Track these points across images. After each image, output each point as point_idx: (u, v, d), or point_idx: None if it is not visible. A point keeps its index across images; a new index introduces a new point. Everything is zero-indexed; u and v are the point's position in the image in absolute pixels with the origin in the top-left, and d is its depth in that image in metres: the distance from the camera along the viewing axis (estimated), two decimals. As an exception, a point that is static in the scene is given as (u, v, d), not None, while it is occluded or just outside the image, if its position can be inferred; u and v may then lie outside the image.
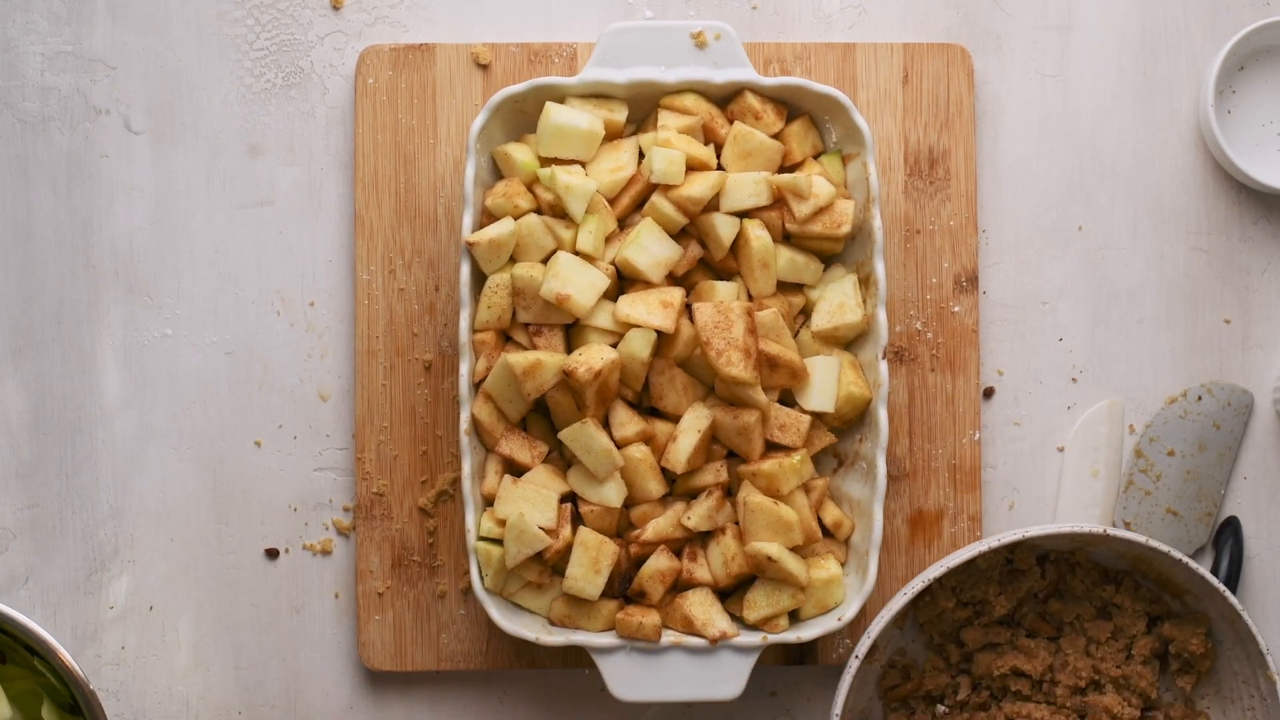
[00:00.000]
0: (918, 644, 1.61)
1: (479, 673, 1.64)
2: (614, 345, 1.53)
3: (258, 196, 1.65)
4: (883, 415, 1.55)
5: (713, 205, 1.56)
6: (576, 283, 1.52)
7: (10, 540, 1.64)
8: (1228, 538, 1.64)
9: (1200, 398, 1.65)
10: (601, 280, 1.53)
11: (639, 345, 1.52)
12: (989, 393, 1.66)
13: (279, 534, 1.64)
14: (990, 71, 1.67)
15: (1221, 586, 1.53)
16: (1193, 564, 1.52)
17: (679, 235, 1.56)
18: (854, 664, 1.51)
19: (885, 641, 1.60)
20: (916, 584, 1.52)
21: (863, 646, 1.52)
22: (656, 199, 1.55)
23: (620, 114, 1.58)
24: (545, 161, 1.56)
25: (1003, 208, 1.67)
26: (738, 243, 1.56)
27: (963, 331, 1.65)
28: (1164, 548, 1.52)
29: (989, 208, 1.67)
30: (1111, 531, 1.52)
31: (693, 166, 1.56)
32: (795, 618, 1.57)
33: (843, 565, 1.57)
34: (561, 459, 1.57)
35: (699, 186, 1.54)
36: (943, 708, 1.59)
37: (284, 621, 1.64)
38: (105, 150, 1.65)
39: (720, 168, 1.57)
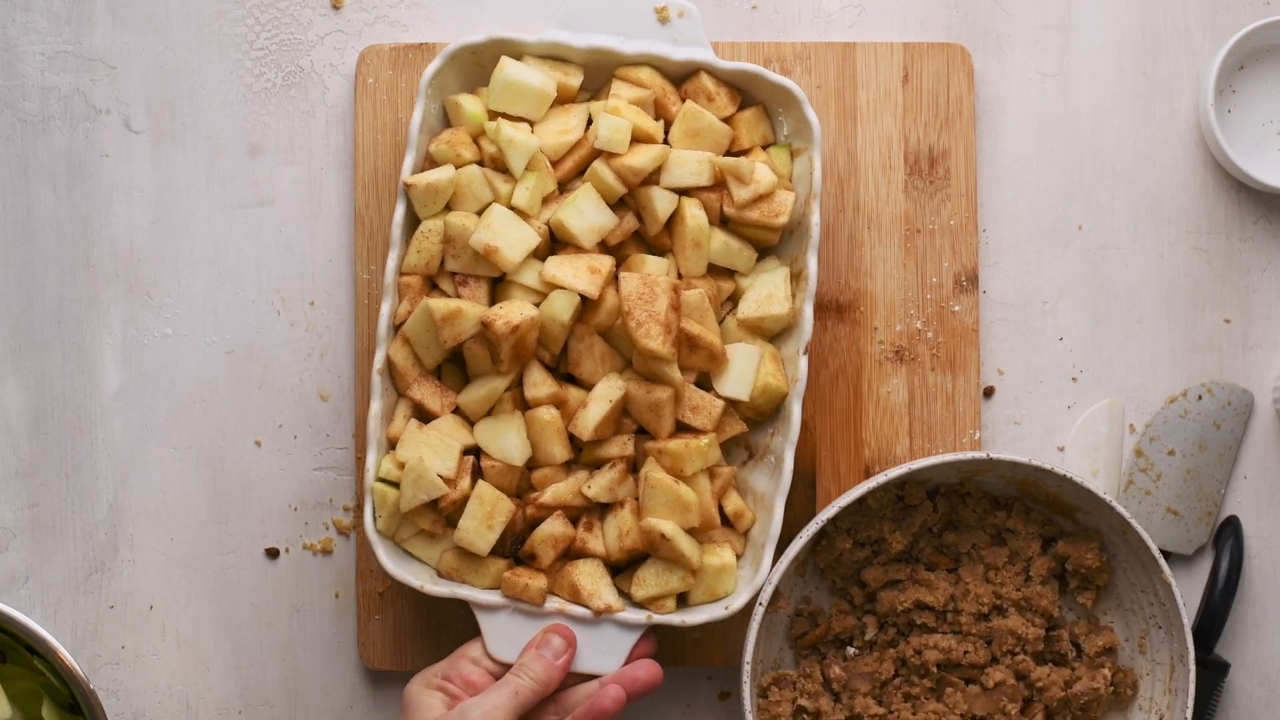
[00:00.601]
0: (821, 590, 1.62)
1: (479, 672, 1.64)
2: (537, 305, 1.53)
3: (258, 196, 1.65)
4: (796, 411, 1.54)
5: (654, 179, 1.55)
6: (507, 237, 1.52)
7: (10, 540, 1.64)
8: (1228, 537, 1.64)
9: (1200, 397, 1.65)
10: (532, 238, 1.53)
11: (561, 307, 1.52)
12: (989, 392, 1.66)
13: (279, 533, 1.64)
14: (990, 71, 1.67)
15: (1109, 498, 1.54)
16: (1077, 477, 1.54)
17: (617, 205, 1.56)
18: (759, 611, 1.53)
19: (788, 589, 1.60)
20: (811, 527, 1.53)
21: (765, 594, 1.53)
22: (598, 165, 1.55)
23: (575, 78, 1.57)
24: (494, 115, 1.56)
25: (1003, 207, 1.67)
26: (674, 219, 1.56)
27: (963, 331, 1.65)
28: (1047, 465, 1.54)
29: (989, 207, 1.67)
30: (994, 455, 1.54)
31: (639, 139, 1.55)
32: (685, 601, 1.57)
33: (739, 557, 1.57)
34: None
35: (641, 157, 1.54)
36: (852, 649, 1.60)
37: (284, 621, 1.64)
38: (105, 150, 1.65)
39: (667, 143, 1.57)
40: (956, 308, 1.65)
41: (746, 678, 1.53)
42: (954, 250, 1.65)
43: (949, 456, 1.54)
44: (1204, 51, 1.67)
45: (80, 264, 1.65)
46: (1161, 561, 1.54)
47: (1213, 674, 1.63)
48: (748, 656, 1.53)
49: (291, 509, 1.64)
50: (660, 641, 1.62)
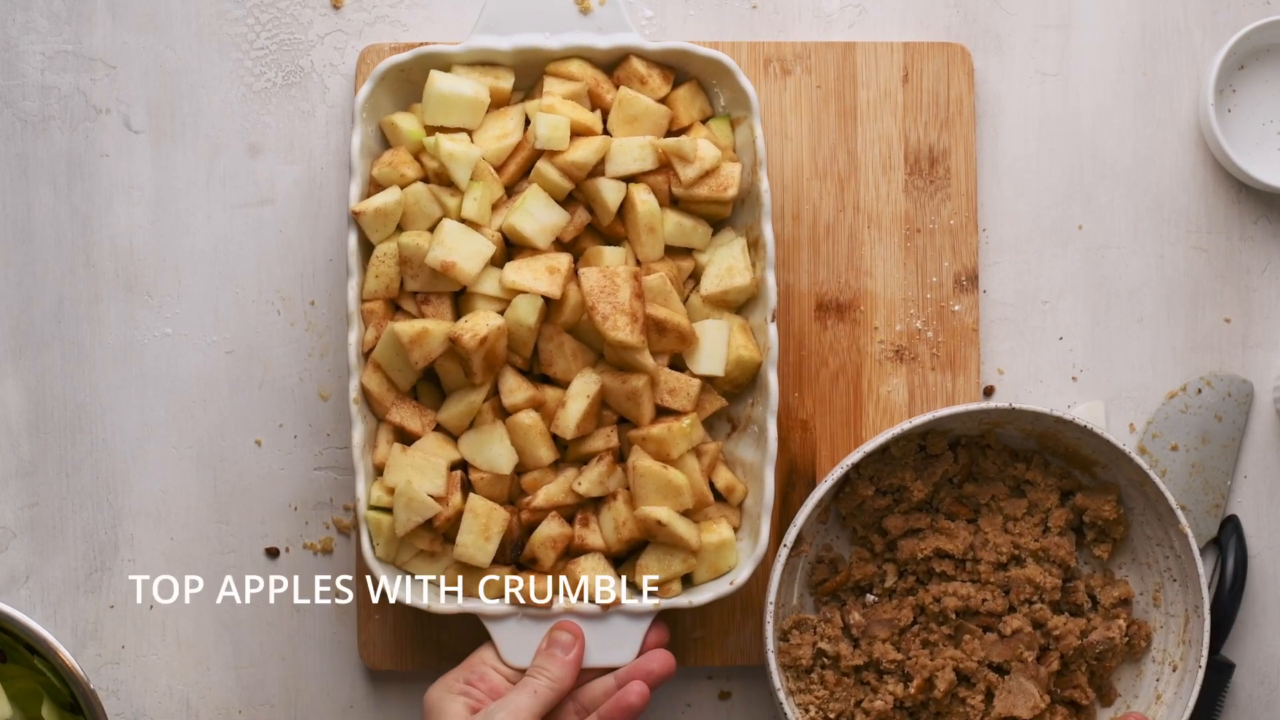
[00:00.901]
0: (842, 539, 1.63)
1: (479, 672, 1.64)
2: (502, 312, 1.53)
3: (258, 196, 1.65)
4: (773, 378, 1.54)
5: (599, 170, 1.55)
6: (462, 250, 1.52)
7: (10, 540, 1.63)
8: (1229, 537, 1.64)
9: (1200, 390, 1.65)
10: (487, 247, 1.53)
11: (525, 311, 1.52)
12: (989, 392, 1.66)
13: (279, 533, 1.64)
14: (990, 71, 1.67)
15: (1127, 449, 1.55)
16: (1096, 428, 1.54)
17: (566, 201, 1.56)
18: (782, 553, 1.53)
19: (811, 534, 1.61)
20: (836, 472, 1.54)
21: (790, 536, 1.53)
22: (542, 165, 1.55)
23: (506, 81, 1.57)
24: (432, 130, 1.56)
25: (1003, 207, 1.67)
26: (624, 207, 1.56)
27: (963, 330, 1.65)
28: (1068, 415, 1.54)
29: (989, 207, 1.67)
30: (1016, 405, 1.54)
31: (579, 132, 1.55)
32: (689, 583, 1.57)
33: (736, 530, 1.57)
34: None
35: (583, 151, 1.54)
36: (872, 596, 1.61)
37: (284, 621, 1.64)
38: (105, 150, 1.65)
39: (607, 133, 1.57)
40: (956, 307, 1.65)
41: (769, 619, 1.53)
42: (954, 250, 1.65)
43: (971, 406, 1.55)
44: (1204, 51, 1.67)
45: (80, 264, 1.64)
46: (1178, 512, 1.55)
47: (1218, 675, 1.63)
48: (771, 597, 1.53)
49: (291, 509, 1.64)
50: (662, 639, 1.62)
